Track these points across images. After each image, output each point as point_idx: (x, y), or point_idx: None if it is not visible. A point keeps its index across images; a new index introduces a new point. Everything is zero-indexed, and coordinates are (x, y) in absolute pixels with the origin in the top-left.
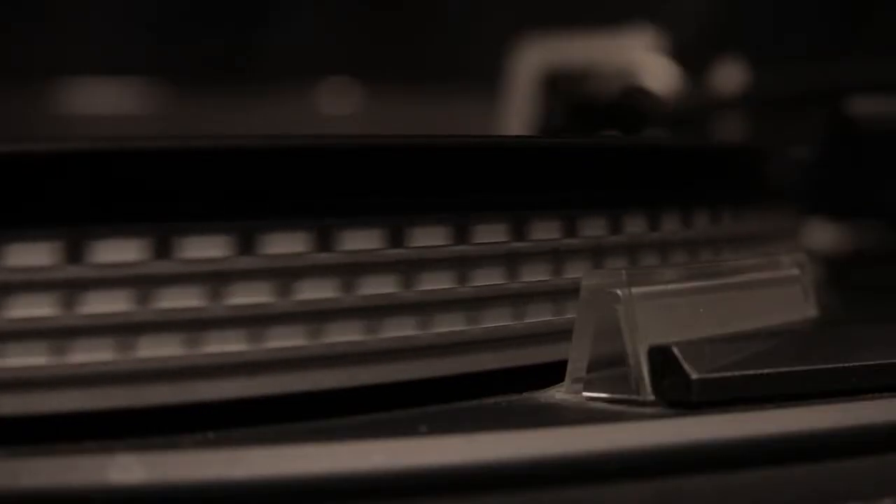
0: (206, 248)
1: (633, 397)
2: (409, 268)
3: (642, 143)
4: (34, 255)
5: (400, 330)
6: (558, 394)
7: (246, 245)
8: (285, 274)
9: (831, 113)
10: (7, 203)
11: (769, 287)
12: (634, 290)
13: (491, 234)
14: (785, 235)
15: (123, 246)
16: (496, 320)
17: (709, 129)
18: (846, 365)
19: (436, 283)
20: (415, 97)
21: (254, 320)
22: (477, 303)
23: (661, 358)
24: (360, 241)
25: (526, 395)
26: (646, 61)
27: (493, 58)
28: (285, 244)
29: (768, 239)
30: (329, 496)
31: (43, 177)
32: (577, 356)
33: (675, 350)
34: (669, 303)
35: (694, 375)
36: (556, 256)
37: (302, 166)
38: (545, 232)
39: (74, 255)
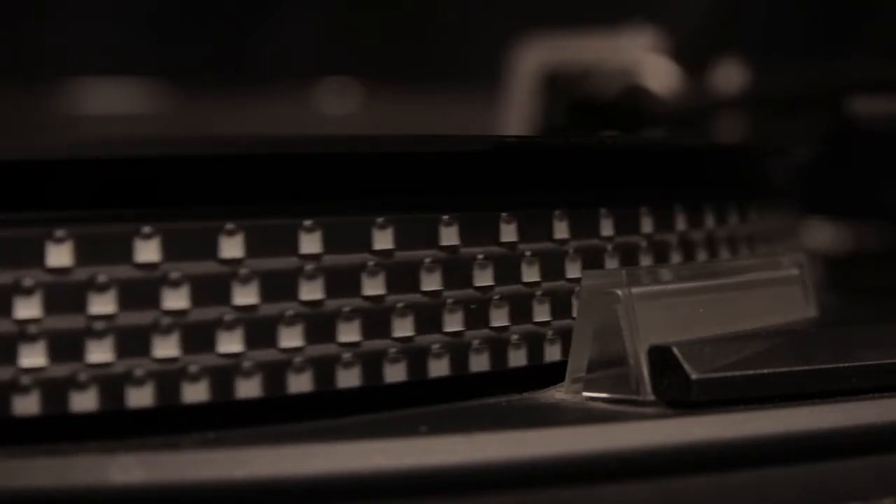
0: (214, 251)
1: (633, 397)
2: (409, 270)
3: (641, 142)
4: (33, 258)
5: (400, 332)
6: (558, 394)
7: (252, 248)
8: (288, 275)
9: (831, 113)
10: (22, 204)
11: (769, 287)
12: (634, 290)
13: (491, 235)
14: (785, 235)
15: (126, 249)
16: (496, 321)
17: (709, 129)
18: (846, 365)
19: (435, 284)
20: (415, 97)
21: (253, 323)
22: (477, 304)
23: (661, 358)
24: (358, 243)
25: (526, 395)
26: (646, 61)
27: (493, 58)
28: (288, 246)
29: (768, 239)
30: (329, 496)
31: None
32: (577, 356)
33: (675, 350)
34: (669, 303)
35: (694, 375)
36: (556, 257)
37: (304, 168)
38: (545, 233)
39: (185, 251)
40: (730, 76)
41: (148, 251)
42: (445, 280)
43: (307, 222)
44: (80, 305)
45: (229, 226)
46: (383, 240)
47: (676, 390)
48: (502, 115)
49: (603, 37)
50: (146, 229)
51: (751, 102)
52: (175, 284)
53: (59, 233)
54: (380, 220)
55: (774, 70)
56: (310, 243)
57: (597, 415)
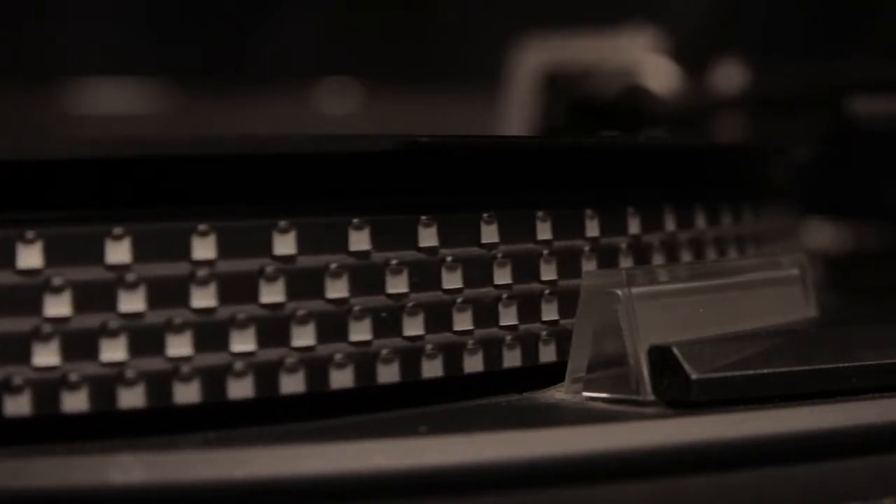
0: (101, 256)
1: (633, 397)
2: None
3: (642, 142)
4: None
5: (299, 341)
6: (558, 394)
7: (141, 253)
8: (178, 282)
9: (831, 113)
10: (21, 202)
11: (769, 287)
12: (634, 290)
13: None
14: (785, 235)
15: (8, 254)
16: (409, 331)
17: (709, 129)
18: (846, 365)
19: (341, 291)
20: (414, 97)
21: (139, 331)
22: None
23: (661, 358)
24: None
25: (526, 395)
26: (646, 61)
27: (493, 58)
28: (179, 251)
29: (768, 239)
30: (329, 496)
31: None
32: (577, 356)
33: (675, 350)
34: (669, 303)
35: (694, 375)
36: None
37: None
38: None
39: (70, 257)
40: (730, 76)
41: (30, 256)
42: (353, 287)
43: (201, 226)
44: None
45: (117, 230)
46: (285, 244)
47: (676, 390)
48: (502, 115)
49: (603, 37)
50: (29, 234)
51: (751, 102)
52: (57, 290)
53: None
54: (282, 223)
55: (774, 70)
56: (203, 248)
57: (597, 415)
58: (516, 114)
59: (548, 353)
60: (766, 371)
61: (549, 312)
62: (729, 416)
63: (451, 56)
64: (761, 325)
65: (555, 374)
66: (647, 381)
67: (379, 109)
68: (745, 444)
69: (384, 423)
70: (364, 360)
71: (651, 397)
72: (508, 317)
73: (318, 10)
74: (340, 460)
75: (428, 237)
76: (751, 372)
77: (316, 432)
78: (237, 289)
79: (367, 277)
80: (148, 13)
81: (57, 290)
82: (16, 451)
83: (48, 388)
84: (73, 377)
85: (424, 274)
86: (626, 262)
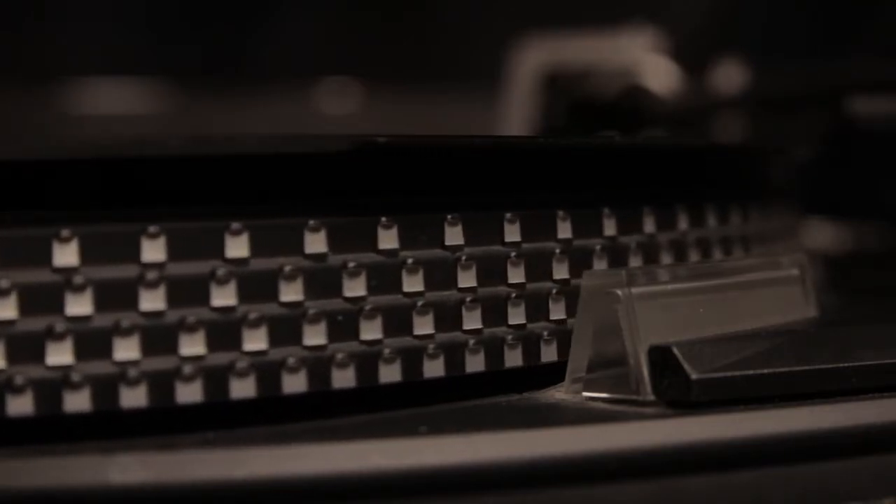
0: (48, 258)
1: (633, 397)
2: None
3: (642, 143)
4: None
5: (250, 345)
6: (558, 394)
7: (89, 255)
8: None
9: (831, 113)
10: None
11: (769, 287)
12: (634, 290)
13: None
14: (785, 235)
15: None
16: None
17: (709, 129)
18: (846, 365)
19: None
20: (415, 97)
21: (86, 334)
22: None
23: (661, 358)
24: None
25: (526, 395)
26: (646, 61)
27: (493, 58)
28: (128, 253)
29: (768, 239)
30: (329, 496)
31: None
32: (577, 356)
33: (675, 350)
34: (669, 303)
35: (694, 375)
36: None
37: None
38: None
39: (16, 259)
40: (730, 76)
41: None
42: (308, 290)
43: (151, 228)
44: None
45: (64, 232)
46: (237, 247)
47: (676, 390)
48: (502, 115)
49: (603, 37)
50: None
51: (751, 102)
52: (3, 294)
53: None
54: (235, 225)
55: (774, 70)
56: (153, 251)
57: (597, 415)
58: (516, 114)
59: (513, 358)
60: (766, 371)
61: (516, 316)
62: (729, 416)
63: (451, 56)
64: (761, 325)
65: (523, 378)
66: (647, 381)
67: (379, 109)
68: (745, 444)
69: (384, 423)
70: (318, 365)
71: (651, 397)
72: (472, 320)
73: (318, 10)
74: (340, 460)
75: (388, 239)
76: (751, 372)
77: (315, 432)
78: (187, 292)
79: (322, 280)
80: (148, 13)
81: (2, 293)
82: (15, 451)
83: None
84: (19, 380)
85: (384, 277)
86: (600, 265)
